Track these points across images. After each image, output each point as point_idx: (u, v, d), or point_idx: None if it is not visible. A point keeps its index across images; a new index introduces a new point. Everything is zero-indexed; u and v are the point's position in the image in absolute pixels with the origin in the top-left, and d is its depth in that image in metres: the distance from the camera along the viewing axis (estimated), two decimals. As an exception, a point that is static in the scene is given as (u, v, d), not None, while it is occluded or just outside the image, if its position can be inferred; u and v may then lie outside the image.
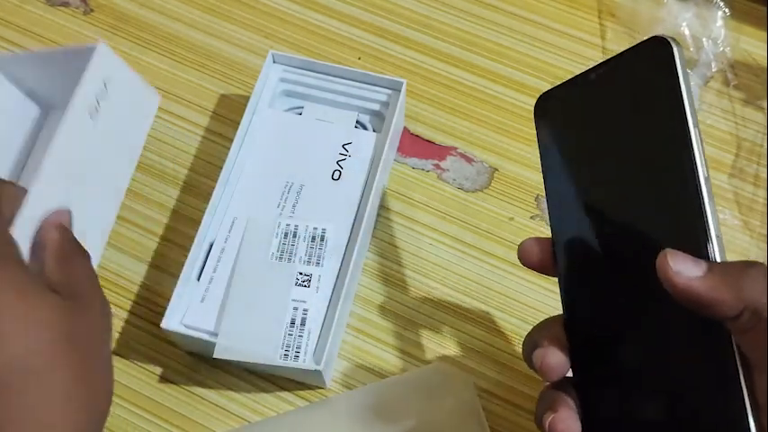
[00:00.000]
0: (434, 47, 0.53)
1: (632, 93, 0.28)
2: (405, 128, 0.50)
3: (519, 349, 0.43)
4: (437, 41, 0.53)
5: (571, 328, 0.30)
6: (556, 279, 0.45)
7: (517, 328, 0.44)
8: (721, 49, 0.51)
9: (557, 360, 0.29)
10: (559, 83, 0.31)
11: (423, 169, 0.48)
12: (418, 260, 0.45)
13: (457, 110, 0.50)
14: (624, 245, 0.28)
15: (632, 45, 0.28)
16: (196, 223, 0.42)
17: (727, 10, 0.51)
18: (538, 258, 0.31)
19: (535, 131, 0.32)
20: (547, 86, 0.52)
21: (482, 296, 0.44)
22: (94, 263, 0.35)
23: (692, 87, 0.26)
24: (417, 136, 0.49)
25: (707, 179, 0.25)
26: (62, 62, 0.42)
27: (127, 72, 0.43)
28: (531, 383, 0.42)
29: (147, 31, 0.52)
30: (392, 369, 0.43)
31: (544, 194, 0.31)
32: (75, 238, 0.32)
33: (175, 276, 0.40)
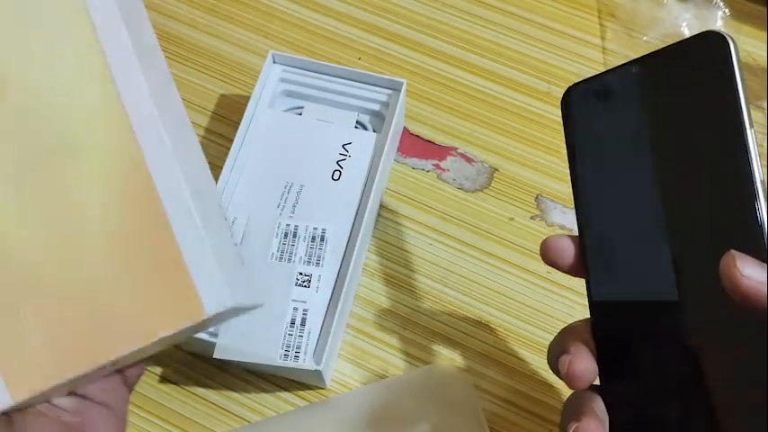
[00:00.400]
0: (434, 47, 0.53)
1: (681, 89, 0.26)
2: (405, 128, 0.50)
3: (519, 349, 0.43)
4: (437, 41, 0.53)
5: (599, 333, 0.28)
6: (557, 279, 0.45)
7: (517, 328, 0.44)
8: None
9: (584, 367, 0.27)
10: (589, 75, 0.30)
11: (423, 169, 0.48)
12: (418, 260, 0.45)
13: (457, 110, 0.50)
14: (665, 246, 0.26)
15: (682, 39, 0.26)
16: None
17: (726, 10, 0.51)
18: (572, 259, 0.29)
19: (562, 125, 0.30)
20: (546, 86, 0.52)
21: (482, 296, 0.45)
22: None
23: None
24: (417, 136, 0.49)
25: (763, 182, 0.24)
26: None
27: None
28: (531, 383, 0.42)
29: (147, 31, 0.52)
30: (392, 369, 0.43)
31: (572, 191, 0.30)
32: None
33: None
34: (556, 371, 0.29)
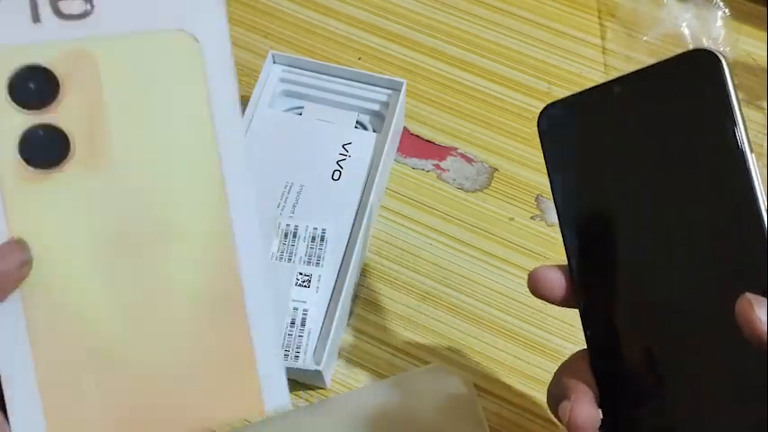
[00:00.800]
0: (434, 47, 0.53)
1: (670, 109, 0.25)
2: (405, 128, 0.50)
3: (519, 349, 0.43)
4: (437, 41, 0.53)
5: (598, 365, 0.27)
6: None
7: (517, 328, 0.44)
8: (721, 49, 0.51)
9: (586, 414, 0.25)
10: (567, 95, 0.28)
11: (423, 169, 0.48)
12: (418, 260, 0.45)
13: (457, 110, 0.50)
14: (659, 271, 0.25)
15: (666, 57, 0.26)
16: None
17: (726, 10, 0.51)
18: (563, 291, 0.28)
19: (541, 147, 0.29)
20: (546, 86, 0.52)
21: (482, 296, 0.44)
22: None
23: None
24: (417, 136, 0.49)
25: (764, 203, 0.23)
26: None
27: None
28: (531, 383, 0.42)
29: (146, 31, 0.52)
30: (392, 369, 0.43)
31: (556, 216, 0.29)
32: None
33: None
34: (556, 415, 0.27)
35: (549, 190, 0.47)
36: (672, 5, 0.52)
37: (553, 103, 0.28)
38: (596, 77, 0.51)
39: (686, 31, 0.51)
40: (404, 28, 0.53)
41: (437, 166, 0.48)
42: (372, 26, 0.53)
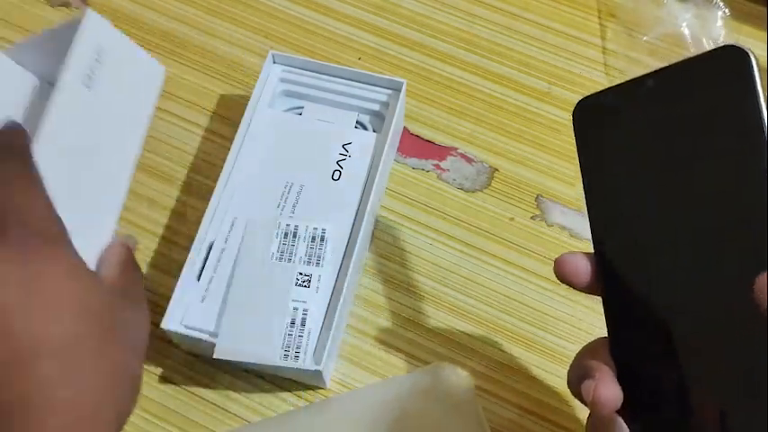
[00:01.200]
0: (434, 47, 0.53)
1: (699, 105, 0.26)
2: (405, 128, 0.50)
3: (519, 349, 0.43)
4: (437, 41, 0.53)
5: (618, 353, 0.28)
6: (555, 279, 0.45)
7: (517, 329, 0.44)
8: (721, 49, 0.51)
9: (610, 393, 0.26)
10: (602, 89, 0.29)
11: (423, 169, 0.48)
12: (418, 260, 0.45)
13: (457, 110, 0.50)
14: (684, 263, 0.26)
15: (701, 52, 0.26)
16: (196, 223, 0.42)
17: (727, 10, 0.51)
18: (588, 277, 0.28)
19: (574, 140, 0.29)
20: (546, 86, 0.52)
21: (482, 296, 0.44)
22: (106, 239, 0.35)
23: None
24: (417, 136, 0.49)
25: None
26: (61, 39, 0.41)
27: (123, 41, 0.42)
28: (531, 383, 0.42)
29: (146, 30, 0.52)
30: (392, 369, 0.43)
31: (585, 206, 0.29)
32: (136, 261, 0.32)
33: (175, 276, 0.40)
34: (578, 395, 0.28)
35: (549, 189, 0.47)
36: (672, 5, 0.52)
37: (588, 96, 0.29)
38: (596, 77, 0.51)
39: (686, 31, 0.51)
40: (404, 28, 0.53)
41: (437, 166, 0.48)
42: (372, 26, 0.53)
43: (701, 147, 0.26)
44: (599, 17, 0.54)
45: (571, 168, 0.48)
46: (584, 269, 0.28)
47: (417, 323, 0.44)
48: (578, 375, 0.28)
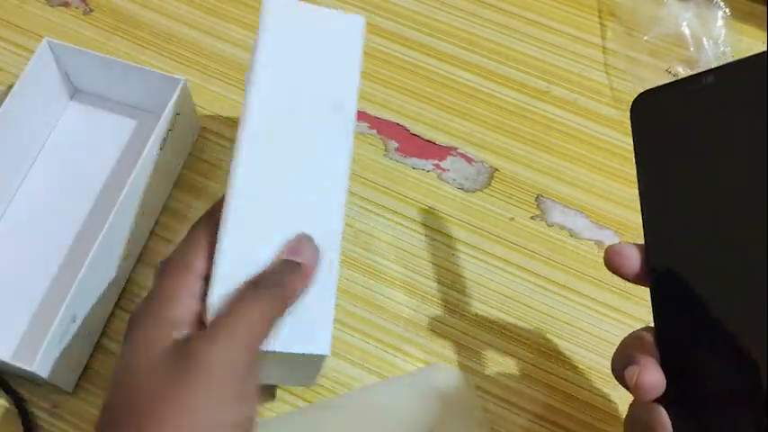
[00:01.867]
0: (434, 47, 0.53)
1: (753, 106, 0.26)
2: (405, 128, 0.50)
3: (519, 349, 0.43)
4: (437, 41, 0.53)
5: (664, 343, 0.28)
6: (557, 279, 0.45)
7: (517, 329, 0.44)
8: (722, 48, 0.51)
9: (653, 378, 0.27)
10: (664, 83, 0.29)
11: (423, 169, 0.48)
12: (418, 260, 0.45)
13: (457, 110, 0.50)
14: (734, 258, 0.26)
15: (760, 52, 0.27)
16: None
17: (727, 10, 0.51)
18: (637, 268, 0.29)
19: (631, 131, 0.30)
20: (546, 86, 0.52)
21: (482, 296, 0.44)
22: None
23: None
24: (417, 136, 0.49)
25: None
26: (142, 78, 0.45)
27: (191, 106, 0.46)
28: (531, 383, 0.42)
29: (146, 31, 0.52)
30: (392, 369, 0.42)
31: (639, 199, 0.30)
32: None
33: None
34: (620, 380, 0.28)
35: (549, 189, 0.47)
36: (672, 5, 0.52)
37: (646, 91, 0.29)
38: (596, 77, 0.51)
39: (686, 31, 0.51)
40: (403, 27, 0.53)
41: (437, 166, 0.48)
42: (372, 26, 0.53)
43: (740, 149, 0.26)
44: (599, 17, 0.54)
45: (571, 168, 0.48)
46: (634, 259, 0.29)
47: (417, 323, 0.44)
48: (623, 362, 0.28)
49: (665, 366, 0.27)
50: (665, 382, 0.27)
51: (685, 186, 0.28)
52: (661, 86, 0.29)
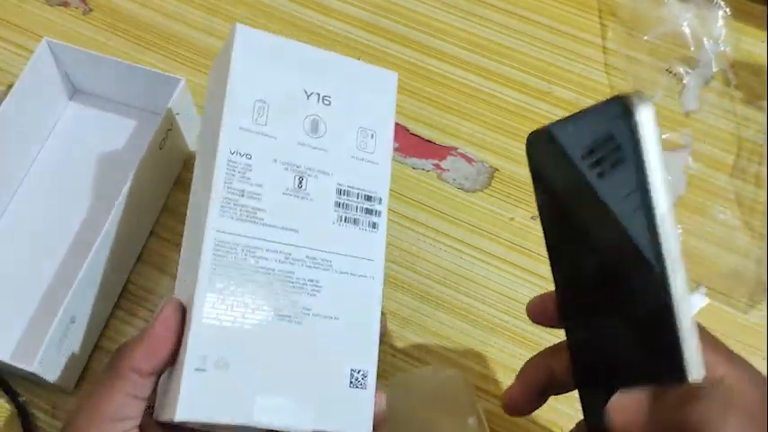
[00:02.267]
0: (434, 46, 0.53)
1: (594, 152, 0.26)
2: (405, 128, 0.50)
3: (519, 349, 0.43)
4: (437, 41, 0.53)
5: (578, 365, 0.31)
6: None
7: (517, 328, 0.44)
8: (722, 48, 0.51)
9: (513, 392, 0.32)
10: (553, 120, 0.29)
11: (423, 169, 0.48)
12: (418, 260, 0.45)
13: (457, 110, 0.50)
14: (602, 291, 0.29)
15: (598, 102, 0.26)
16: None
17: (727, 10, 0.51)
18: (551, 316, 0.32)
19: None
20: (547, 86, 0.52)
21: (482, 296, 0.44)
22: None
23: (661, 154, 0.25)
24: (417, 136, 0.49)
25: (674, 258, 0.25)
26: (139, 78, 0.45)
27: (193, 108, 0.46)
28: (531, 384, 0.42)
29: (146, 31, 0.52)
30: (392, 369, 0.42)
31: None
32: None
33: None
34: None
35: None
36: (673, 5, 0.52)
37: (535, 131, 0.29)
38: (597, 77, 0.51)
39: (687, 31, 0.51)
40: (404, 27, 0.53)
41: (437, 166, 0.48)
42: (372, 26, 0.53)
43: (593, 191, 0.26)
44: (599, 16, 0.54)
45: (571, 168, 0.48)
46: (550, 309, 0.31)
47: (417, 323, 0.44)
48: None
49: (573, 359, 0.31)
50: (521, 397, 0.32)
51: (565, 227, 0.29)
52: (546, 126, 0.29)
